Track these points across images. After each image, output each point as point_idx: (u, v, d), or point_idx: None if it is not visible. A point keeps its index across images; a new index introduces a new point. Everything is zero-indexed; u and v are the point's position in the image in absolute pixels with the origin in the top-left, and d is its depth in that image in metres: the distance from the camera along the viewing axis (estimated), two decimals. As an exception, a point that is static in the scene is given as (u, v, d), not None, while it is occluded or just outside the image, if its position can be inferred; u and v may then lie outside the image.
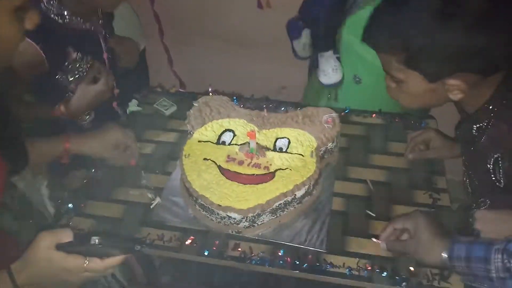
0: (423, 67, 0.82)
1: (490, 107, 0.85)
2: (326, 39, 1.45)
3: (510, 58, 0.78)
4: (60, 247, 0.73)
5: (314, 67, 1.55)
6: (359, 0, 1.31)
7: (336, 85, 1.49)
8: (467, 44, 0.76)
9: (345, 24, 1.39)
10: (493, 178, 0.86)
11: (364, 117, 1.30)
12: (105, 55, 1.21)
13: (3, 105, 0.74)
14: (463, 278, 0.87)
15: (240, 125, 1.15)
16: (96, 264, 0.73)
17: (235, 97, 1.29)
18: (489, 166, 0.86)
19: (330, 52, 1.46)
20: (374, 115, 1.31)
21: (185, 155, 1.08)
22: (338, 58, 1.47)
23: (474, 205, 0.95)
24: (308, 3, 1.47)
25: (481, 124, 0.87)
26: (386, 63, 0.88)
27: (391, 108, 1.39)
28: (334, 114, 1.16)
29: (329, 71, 1.48)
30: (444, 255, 0.83)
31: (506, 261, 0.74)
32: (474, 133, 0.90)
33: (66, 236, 0.74)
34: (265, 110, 1.21)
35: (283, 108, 1.28)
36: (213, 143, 1.11)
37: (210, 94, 1.31)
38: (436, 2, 0.76)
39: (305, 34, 1.51)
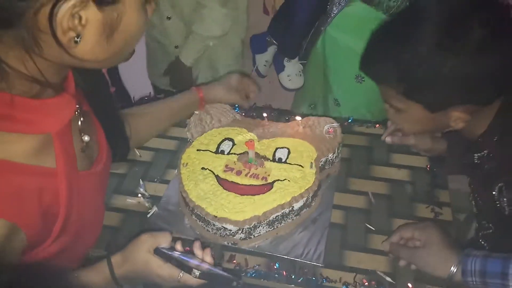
0: (423, 98, 0.81)
1: (490, 135, 0.82)
2: (296, 46, 1.45)
3: (509, 86, 0.76)
4: (157, 252, 0.76)
5: (277, 72, 1.57)
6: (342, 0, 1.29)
7: (299, 89, 1.51)
8: (468, 74, 0.74)
9: (330, 24, 1.37)
10: (498, 205, 0.83)
11: (367, 127, 1.28)
12: None
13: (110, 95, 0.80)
14: None
15: (239, 134, 1.14)
16: (189, 279, 0.76)
17: (236, 105, 1.28)
18: (494, 193, 0.84)
19: (296, 58, 1.48)
20: (377, 125, 1.28)
21: (183, 164, 1.07)
22: (302, 64, 1.49)
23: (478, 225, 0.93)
24: (281, 14, 1.49)
25: (482, 153, 0.85)
26: (385, 93, 0.86)
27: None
28: (335, 124, 1.14)
29: (294, 76, 1.53)
30: (455, 268, 0.79)
31: None
32: (476, 161, 0.88)
33: (165, 241, 0.78)
34: (265, 119, 1.20)
35: (286, 118, 1.27)
36: (212, 152, 1.10)
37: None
38: (434, 33, 0.74)
39: (270, 50, 1.55)
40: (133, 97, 1.50)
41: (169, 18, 1.50)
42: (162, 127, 1.18)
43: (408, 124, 0.89)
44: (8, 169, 0.55)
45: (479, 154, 0.86)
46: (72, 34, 0.50)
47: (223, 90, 1.20)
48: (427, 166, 1.15)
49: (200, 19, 1.46)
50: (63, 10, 0.48)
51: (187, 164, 1.07)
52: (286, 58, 1.53)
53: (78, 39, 0.51)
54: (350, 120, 1.29)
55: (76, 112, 0.67)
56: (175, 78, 1.61)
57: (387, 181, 1.12)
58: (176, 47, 1.58)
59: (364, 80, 1.40)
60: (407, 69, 0.78)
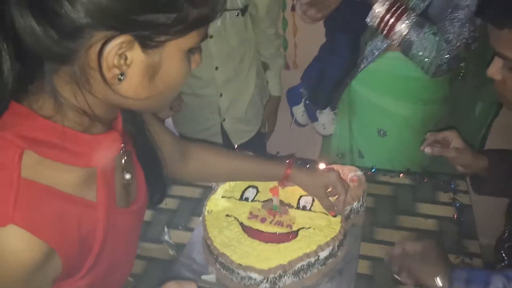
0: None
1: None
2: (327, 98, 1.49)
3: None
4: None
5: (312, 121, 1.62)
6: (369, 54, 1.32)
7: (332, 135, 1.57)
8: None
9: (356, 78, 1.39)
10: None
11: (391, 176, 1.28)
12: None
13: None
14: None
15: (264, 182, 1.15)
16: None
17: (258, 152, 1.30)
18: None
19: (327, 108, 1.53)
20: (402, 175, 1.28)
21: (207, 211, 1.07)
22: (334, 113, 1.53)
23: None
24: (312, 66, 1.54)
25: None
26: (504, 42, 0.76)
27: (419, 161, 1.36)
28: (359, 173, 1.14)
29: (328, 125, 1.56)
30: (444, 279, 0.85)
31: (506, 284, 0.74)
32: None
33: None
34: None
35: (308, 165, 1.27)
36: (236, 199, 1.10)
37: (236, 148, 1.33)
38: None
39: (303, 102, 1.60)
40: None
41: (217, 68, 1.57)
42: (234, 177, 1.12)
43: None
44: (53, 195, 0.57)
45: None
46: (116, 71, 0.53)
47: (314, 183, 1.05)
48: (454, 215, 1.13)
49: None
50: (110, 48, 0.52)
51: (211, 211, 1.07)
52: (318, 109, 1.57)
53: (122, 77, 0.54)
54: (373, 170, 1.29)
55: (121, 151, 0.70)
56: None
57: (414, 231, 1.10)
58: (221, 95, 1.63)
59: (386, 135, 1.41)
60: None
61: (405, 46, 1.20)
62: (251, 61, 1.63)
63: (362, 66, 1.34)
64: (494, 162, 1.05)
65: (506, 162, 1.00)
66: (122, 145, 0.68)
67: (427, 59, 1.19)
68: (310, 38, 1.63)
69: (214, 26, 1.47)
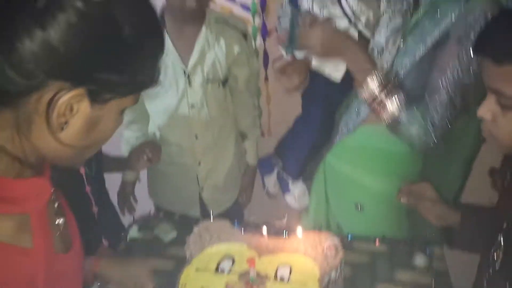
0: None
1: None
2: (300, 168, 1.48)
3: None
4: None
5: (283, 192, 1.59)
6: (344, 128, 1.32)
7: (305, 208, 1.53)
8: None
9: (331, 152, 1.39)
10: None
11: (368, 243, 1.27)
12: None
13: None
14: None
15: (240, 251, 1.12)
16: None
17: (236, 220, 1.28)
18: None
19: (300, 179, 1.51)
20: (377, 241, 1.28)
21: (181, 285, 1.03)
22: (307, 185, 1.52)
23: None
24: (287, 136, 1.55)
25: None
26: (502, 78, 0.76)
27: (395, 232, 1.35)
28: (336, 241, 1.14)
29: (300, 196, 1.53)
30: None
31: None
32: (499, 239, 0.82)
33: None
34: (265, 235, 1.19)
35: (284, 233, 1.26)
36: (212, 271, 1.07)
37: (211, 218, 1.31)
38: None
39: (276, 172, 1.60)
40: (133, 217, 1.51)
41: (196, 136, 1.58)
42: None
43: (511, 132, 0.77)
44: None
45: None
46: (63, 119, 0.56)
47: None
48: (431, 281, 1.12)
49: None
50: (64, 98, 0.54)
51: (185, 284, 1.03)
52: (291, 179, 1.55)
53: (65, 126, 0.57)
54: (349, 238, 1.28)
55: (52, 196, 0.70)
56: None
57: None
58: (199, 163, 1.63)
59: (363, 209, 1.39)
60: None
61: (394, 124, 1.18)
62: (230, 131, 1.66)
63: (337, 139, 1.34)
64: (467, 216, 1.06)
65: (479, 217, 1.00)
66: (53, 189, 0.68)
67: (416, 137, 1.18)
68: (283, 106, 1.68)
69: (196, 96, 1.52)
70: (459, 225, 1.07)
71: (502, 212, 0.87)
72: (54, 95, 0.54)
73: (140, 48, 0.58)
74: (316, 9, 1.21)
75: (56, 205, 0.72)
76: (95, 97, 0.57)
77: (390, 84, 1.15)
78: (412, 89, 1.17)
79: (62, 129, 0.57)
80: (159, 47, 0.62)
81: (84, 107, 0.57)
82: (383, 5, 1.15)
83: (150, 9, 0.61)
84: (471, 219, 1.05)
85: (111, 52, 0.55)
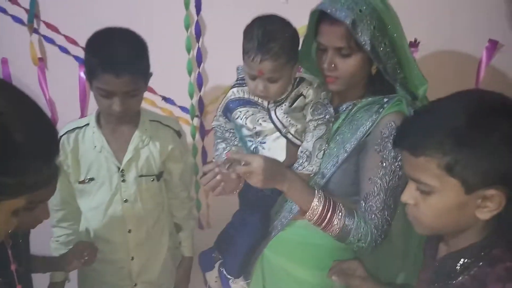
0: (467, 173, 0.77)
1: (485, 245, 0.82)
2: (239, 266, 1.47)
3: None
4: None
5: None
6: (279, 223, 1.37)
7: None
8: None
9: (268, 247, 1.41)
10: None
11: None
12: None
13: None
14: None
15: None
16: None
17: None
18: None
19: (240, 277, 1.50)
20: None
21: None
22: (247, 283, 1.50)
23: None
24: (225, 232, 1.53)
25: (466, 260, 0.84)
26: (418, 169, 0.82)
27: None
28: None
29: None
30: None
31: None
32: (457, 269, 0.85)
33: None
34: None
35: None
36: None
37: None
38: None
39: (217, 266, 1.57)
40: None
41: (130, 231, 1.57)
42: None
43: (432, 215, 0.83)
44: None
45: (463, 261, 0.83)
46: None
47: None
48: None
49: None
50: None
51: None
52: (231, 278, 1.52)
53: None
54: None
55: None
56: None
57: None
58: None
59: None
60: (459, 138, 0.76)
61: (343, 235, 1.23)
62: (164, 224, 1.66)
63: (273, 234, 1.39)
64: None
65: None
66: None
67: (363, 244, 1.23)
68: (223, 199, 1.71)
69: (129, 191, 1.53)
70: None
71: None
72: None
73: (30, 152, 0.59)
74: (249, 125, 1.31)
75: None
76: None
77: (329, 200, 1.23)
78: (345, 193, 1.28)
79: None
80: (54, 151, 0.64)
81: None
82: (308, 116, 1.30)
83: (46, 118, 0.64)
84: None
85: None
